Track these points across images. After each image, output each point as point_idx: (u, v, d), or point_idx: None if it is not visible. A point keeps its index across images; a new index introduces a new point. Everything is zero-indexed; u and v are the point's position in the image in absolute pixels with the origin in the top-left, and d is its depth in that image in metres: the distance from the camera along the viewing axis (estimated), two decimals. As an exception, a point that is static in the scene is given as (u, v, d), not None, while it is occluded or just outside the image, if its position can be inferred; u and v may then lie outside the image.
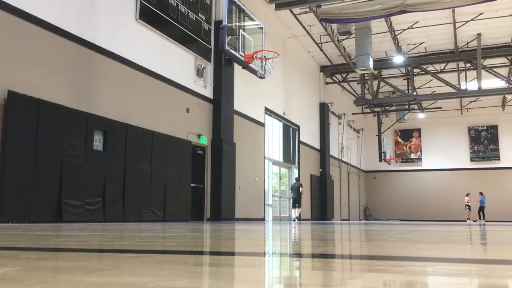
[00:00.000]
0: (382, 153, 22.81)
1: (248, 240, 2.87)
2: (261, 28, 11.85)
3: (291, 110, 16.57)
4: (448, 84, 18.49)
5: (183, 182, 9.90)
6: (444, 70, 19.46)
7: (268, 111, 14.77)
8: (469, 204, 24.22)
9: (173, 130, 9.76)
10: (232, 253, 1.81)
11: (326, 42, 17.14)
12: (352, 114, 24.00)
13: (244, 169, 12.56)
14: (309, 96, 18.85)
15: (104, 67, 8.05)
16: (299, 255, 1.84)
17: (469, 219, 23.45)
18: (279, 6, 12.21)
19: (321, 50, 18.02)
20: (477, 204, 23.70)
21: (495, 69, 18.49)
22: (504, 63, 18.87)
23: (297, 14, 15.06)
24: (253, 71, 11.25)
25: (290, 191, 15.85)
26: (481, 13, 15.22)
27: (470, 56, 18.01)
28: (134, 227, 4.31)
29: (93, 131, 7.60)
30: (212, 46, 11.34)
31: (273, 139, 15.52)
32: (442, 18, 15.81)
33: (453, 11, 15.09)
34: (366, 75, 19.01)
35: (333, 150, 21.10)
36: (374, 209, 27.73)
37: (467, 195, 24.23)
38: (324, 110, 19.88)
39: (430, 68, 19.41)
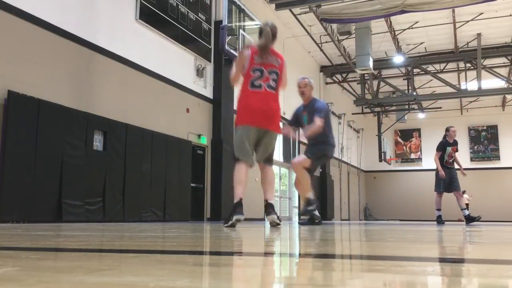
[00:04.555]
0: (382, 153, 22.82)
1: (248, 240, 2.87)
2: (261, 28, 11.79)
3: (291, 110, 16.55)
4: (448, 84, 18.50)
5: (183, 182, 9.90)
6: (444, 70, 19.47)
7: (268, 111, 14.76)
8: (468, 204, 24.32)
9: (173, 130, 9.76)
10: (232, 253, 1.81)
11: (326, 42, 17.15)
12: (352, 114, 24.01)
13: (244, 169, 12.55)
14: (309, 96, 18.83)
15: (104, 67, 8.05)
16: (299, 255, 1.84)
17: None
18: (279, 6, 12.22)
19: (321, 50, 18.02)
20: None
21: (495, 69, 18.50)
22: (504, 63, 18.87)
23: (297, 14, 15.07)
24: (253, 71, 11.22)
25: None
26: (481, 13, 15.23)
27: (470, 56, 18.02)
28: (134, 227, 4.31)
29: (93, 131, 7.60)
30: (212, 46, 11.34)
31: (273, 139, 15.49)
32: (442, 18, 15.82)
33: (453, 11, 15.09)
34: (366, 75, 19.01)
35: (333, 150, 21.08)
36: (374, 209, 27.74)
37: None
38: (324, 110, 19.85)
39: (430, 68, 19.42)
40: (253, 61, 4.73)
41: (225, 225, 4.64)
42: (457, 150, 9.82)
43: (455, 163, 9.74)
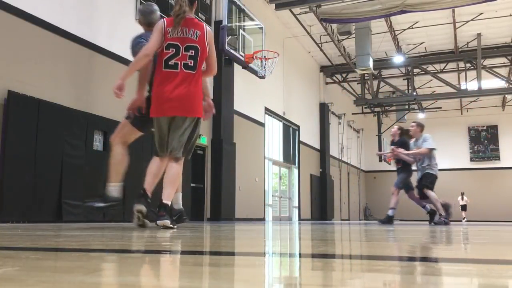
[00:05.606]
0: (382, 153, 22.82)
1: (248, 240, 2.87)
2: (261, 28, 11.83)
3: (291, 110, 16.57)
4: (448, 84, 18.51)
5: (183, 182, 9.88)
6: (444, 70, 19.47)
7: (268, 111, 14.78)
8: (465, 204, 24.72)
9: (173, 130, 9.75)
10: (232, 253, 1.81)
11: (326, 42, 17.15)
12: (352, 114, 24.01)
13: (244, 169, 12.56)
14: (309, 96, 18.86)
15: (104, 67, 8.05)
16: (299, 255, 1.84)
17: (465, 218, 23.90)
18: (279, 6, 12.22)
19: (321, 50, 18.03)
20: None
21: (495, 69, 18.50)
22: (504, 63, 18.88)
23: (297, 14, 15.07)
24: (253, 71, 11.25)
25: None
26: (481, 13, 15.23)
27: (470, 56, 18.02)
28: (134, 227, 4.30)
29: (93, 131, 7.60)
30: (212, 46, 11.32)
31: (273, 139, 15.52)
32: (442, 18, 15.82)
33: (453, 11, 15.09)
34: (366, 75, 19.02)
35: (333, 150, 21.10)
36: (374, 209, 27.72)
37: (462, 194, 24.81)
38: (324, 110, 19.89)
39: (430, 68, 19.43)
40: (167, 36, 3.93)
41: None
42: (408, 148, 9.17)
43: (410, 164, 9.16)
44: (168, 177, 4.07)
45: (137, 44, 4.32)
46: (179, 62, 3.92)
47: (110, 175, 4.43)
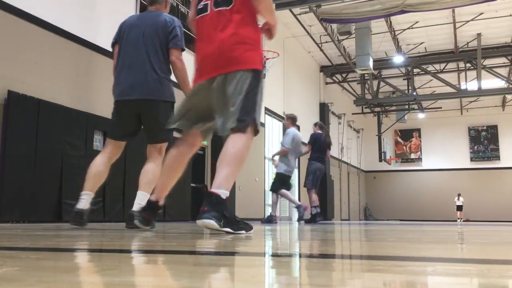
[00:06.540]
0: (382, 153, 22.84)
1: (247, 240, 2.87)
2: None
3: (291, 110, 16.54)
4: (448, 84, 18.52)
5: (183, 182, 9.88)
6: (444, 70, 19.48)
7: (268, 111, 14.78)
8: (461, 204, 24.97)
9: (173, 130, 9.75)
10: (232, 253, 1.81)
11: (326, 42, 17.15)
12: (352, 114, 24.01)
13: (244, 169, 12.52)
14: (309, 96, 18.86)
15: (104, 67, 8.05)
16: (299, 255, 1.84)
17: (461, 218, 24.10)
18: (279, 6, 12.22)
19: (321, 50, 18.02)
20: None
21: (495, 69, 18.51)
22: (504, 63, 18.88)
23: (297, 14, 15.07)
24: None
25: None
26: (481, 13, 15.24)
27: (470, 56, 18.03)
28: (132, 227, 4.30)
29: (93, 131, 7.59)
30: (212, 46, 11.31)
31: (273, 139, 15.52)
32: (442, 18, 15.83)
33: (453, 11, 15.10)
34: (366, 75, 19.02)
35: (333, 150, 21.07)
36: (374, 209, 27.74)
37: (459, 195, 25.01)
38: (324, 110, 19.89)
39: (430, 68, 19.44)
40: None
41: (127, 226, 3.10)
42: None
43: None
44: (229, 154, 2.88)
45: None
46: (208, 2, 3.06)
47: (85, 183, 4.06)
